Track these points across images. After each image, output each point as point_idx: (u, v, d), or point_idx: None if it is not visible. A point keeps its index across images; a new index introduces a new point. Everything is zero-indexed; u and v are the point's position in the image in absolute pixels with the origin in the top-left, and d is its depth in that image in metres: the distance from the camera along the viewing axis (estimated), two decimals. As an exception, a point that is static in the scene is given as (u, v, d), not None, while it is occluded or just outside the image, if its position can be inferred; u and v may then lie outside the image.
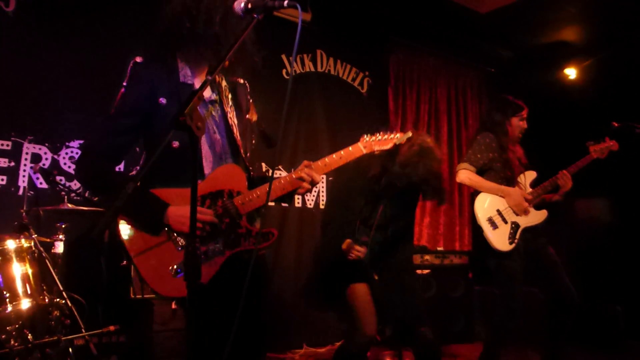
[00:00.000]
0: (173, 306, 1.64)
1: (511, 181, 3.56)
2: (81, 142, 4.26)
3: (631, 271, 5.79)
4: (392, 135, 2.52)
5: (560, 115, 6.51)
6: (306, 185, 2.17)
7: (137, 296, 3.69)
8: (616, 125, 3.72)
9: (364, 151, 2.41)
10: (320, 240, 3.20)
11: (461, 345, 5.22)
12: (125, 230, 1.92)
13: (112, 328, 3.18)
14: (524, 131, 3.69)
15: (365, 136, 2.48)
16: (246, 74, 2.17)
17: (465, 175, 3.54)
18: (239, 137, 2.19)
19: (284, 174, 5.28)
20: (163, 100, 2.00)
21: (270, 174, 2.11)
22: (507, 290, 3.39)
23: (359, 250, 2.85)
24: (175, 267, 1.94)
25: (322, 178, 5.14)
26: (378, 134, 2.49)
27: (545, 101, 6.56)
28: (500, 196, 3.52)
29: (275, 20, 5.00)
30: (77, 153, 4.26)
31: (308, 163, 2.22)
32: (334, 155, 2.31)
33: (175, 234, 1.95)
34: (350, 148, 2.37)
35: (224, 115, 2.18)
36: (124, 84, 2.00)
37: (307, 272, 5.20)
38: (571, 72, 6.72)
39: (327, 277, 3.06)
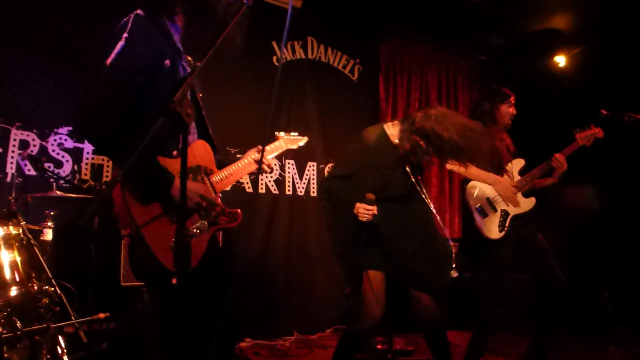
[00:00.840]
0: (174, 281, 1.71)
1: (499, 169, 3.57)
2: (70, 129, 4.22)
3: (618, 258, 5.86)
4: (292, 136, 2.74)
5: (550, 103, 6.54)
6: (266, 168, 2.39)
7: (128, 283, 3.71)
8: (605, 113, 3.73)
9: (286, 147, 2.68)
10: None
11: (451, 331, 5.23)
12: (132, 199, 1.89)
13: (101, 315, 3.17)
14: (513, 117, 3.69)
15: (280, 132, 2.71)
16: (228, 59, 2.14)
17: None
18: (205, 114, 2.20)
19: (274, 161, 5.26)
20: (168, 62, 1.93)
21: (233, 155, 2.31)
22: (497, 277, 3.41)
23: (368, 209, 2.77)
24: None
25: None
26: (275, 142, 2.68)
27: (536, 88, 6.59)
28: (489, 184, 3.53)
29: (266, 6, 4.97)
30: (65, 140, 4.22)
31: (261, 149, 2.41)
32: (267, 148, 2.56)
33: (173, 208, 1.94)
34: (269, 147, 2.60)
35: (192, 90, 2.12)
36: (126, 35, 1.84)
37: (299, 257, 5.26)
38: (561, 60, 6.74)
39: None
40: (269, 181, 5.25)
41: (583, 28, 6.25)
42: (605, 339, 5.02)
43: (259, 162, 2.09)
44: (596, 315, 5.25)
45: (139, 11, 1.92)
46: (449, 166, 3.58)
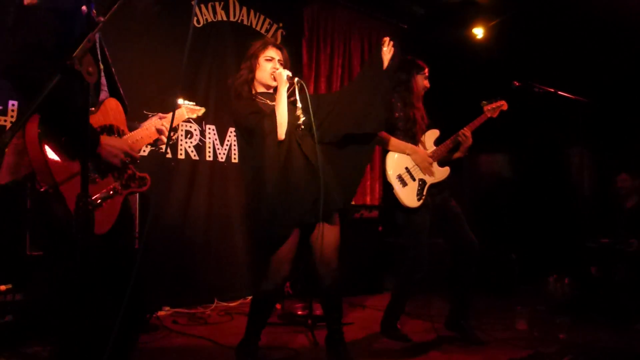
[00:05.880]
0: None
1: (415, 138, 3.64)
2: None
3: (525, 221, 6.23)
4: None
5: (467, 73, 6.74)
6: (163, 138, 2.32)
7: (34, 252, 3.49)
8: (517, 84, 3.87)
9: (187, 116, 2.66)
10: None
11: (370, 296, 5.41)
12: (52, 154, 1.79)
13: (2, 288, 2.97)
14: (426, 89, 3.78)
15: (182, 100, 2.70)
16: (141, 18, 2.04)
17: None
18: (114, 71, 2.12)
19: (194, 126, 5.11)
20: (84, 9, 1.84)
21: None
22: (414, 244, 3.51)
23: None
24: (94, 198, 1.89)
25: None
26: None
27: (455, 59, 6.77)
28: (407, 154, 3.60)
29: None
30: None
31: (163, 116, 2.35)
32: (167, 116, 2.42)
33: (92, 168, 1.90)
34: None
35: (101, 46, 2.04)
36: None
37: (219, 224, 5.17)
38: (479, 32, 6.94)
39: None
40: (189, 147, 5.08)
41: (499, 1, 6.45)
42: (511, 297, 5.36)
43: (169, 132, 2.00)
44: (504, 276, 5.59)
45: None
46: None
